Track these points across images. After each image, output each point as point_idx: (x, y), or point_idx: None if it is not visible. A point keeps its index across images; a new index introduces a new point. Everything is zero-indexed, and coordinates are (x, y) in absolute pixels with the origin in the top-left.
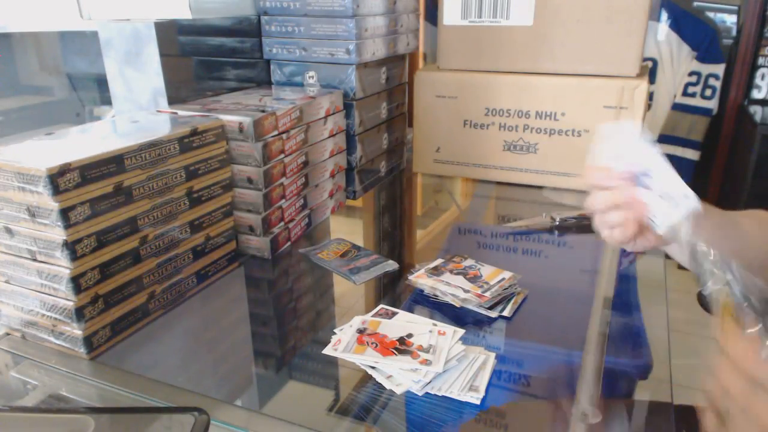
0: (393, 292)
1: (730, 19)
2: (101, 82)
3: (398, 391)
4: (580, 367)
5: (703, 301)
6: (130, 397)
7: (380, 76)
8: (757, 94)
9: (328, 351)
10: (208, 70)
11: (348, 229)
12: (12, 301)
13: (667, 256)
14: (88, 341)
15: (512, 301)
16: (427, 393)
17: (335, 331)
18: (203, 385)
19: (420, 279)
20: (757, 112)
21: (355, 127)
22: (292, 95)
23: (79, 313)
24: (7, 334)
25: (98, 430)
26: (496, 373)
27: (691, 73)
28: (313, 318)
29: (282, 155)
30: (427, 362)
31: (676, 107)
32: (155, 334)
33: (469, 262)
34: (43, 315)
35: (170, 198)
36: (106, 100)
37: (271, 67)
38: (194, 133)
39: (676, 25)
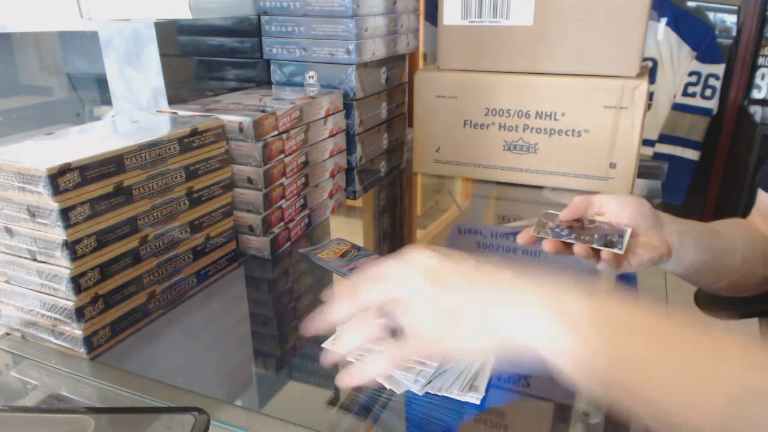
0: None
1: (730, 19)
2: (101, 82)
3: (398, 390)
4: None
5: (702, 301)
6: (130, 397)
7: (380, 76)
8: (757, 94)
9: (327, 345)
10: (208, 70)
11: (348, 229)
12: (12, 301)
13: None
14: (88, 341)
15: None
16: (427, 393)
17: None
18: (203, 385)
19: None
20: (757, 112)
21: (355, 127)
22: (292, 95)
23: (79, 313)
24: (7, 334)
25: (98, 430)
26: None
27: (691, 73)
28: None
29: (282, 155)
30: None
31: (676, 107)
32: (155, 334)
33: None
34: (43, 315)
35: (170, 198)
36: (106, 100)
37: (271, 67)
38: (194, 133)
39: (675, 25)
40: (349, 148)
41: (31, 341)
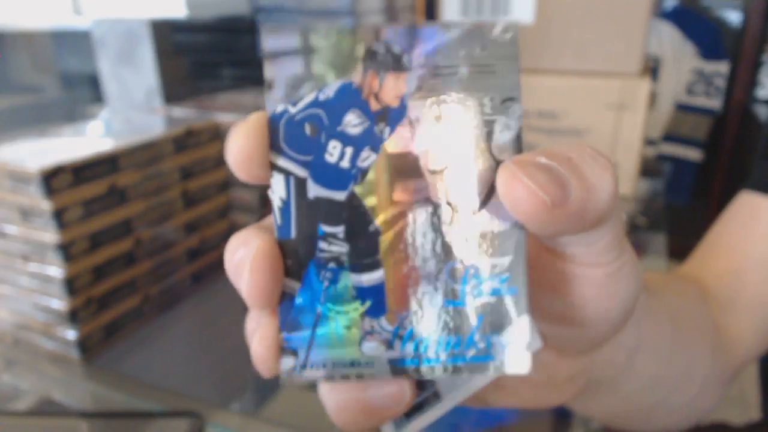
0: None
1: (734, 17)
2: (95, 81)
3: None
4: None
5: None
6: (124, 401)
7: None
8: (761, 93)
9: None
10: (204, 68)
11: None
12: (3, 303)
13: (669, 256)
14: (82, 344)
15: None
16: None
17: None
18: (198, 388)
19: None
20: (762, 111)
21: None
22: None
23: (73, 316)
24: None
25: None
26: None
27: (694, 72)
28: None
29: None
30: None
31: (680, 106)
32: (150, 337)
33: None
34: (36, 318)
35: (165, 199)
36: (100, 99)
37: None
38: (189, 132)
39: (679, 23)
40: None
41: (23, 344)
